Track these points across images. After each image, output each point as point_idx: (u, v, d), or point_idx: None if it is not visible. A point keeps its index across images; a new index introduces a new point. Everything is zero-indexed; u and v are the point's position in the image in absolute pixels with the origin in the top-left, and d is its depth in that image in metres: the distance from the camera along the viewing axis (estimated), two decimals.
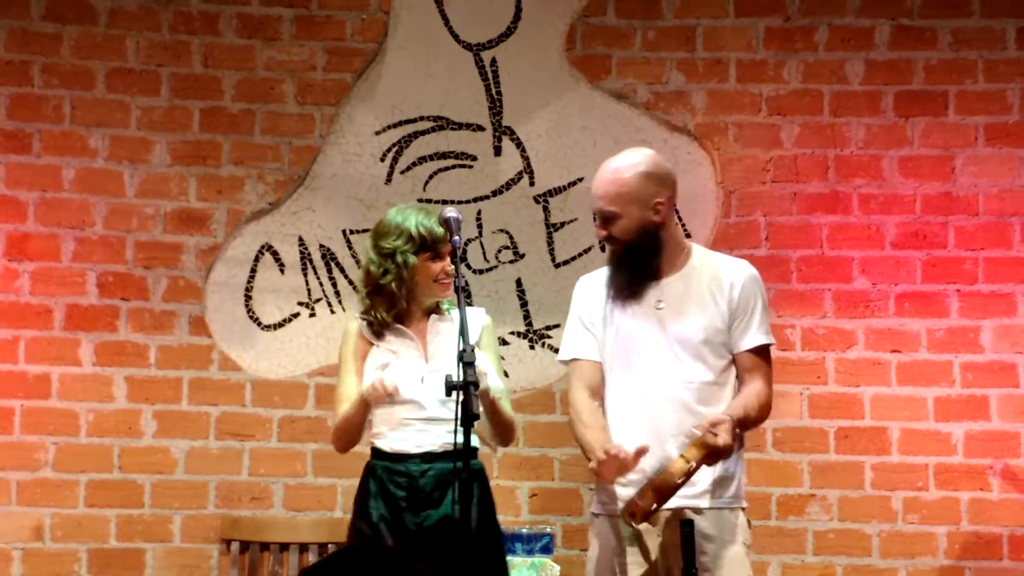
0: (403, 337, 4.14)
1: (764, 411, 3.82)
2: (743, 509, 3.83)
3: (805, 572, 5.26)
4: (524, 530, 4.95)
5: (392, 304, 4.13)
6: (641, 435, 3.67)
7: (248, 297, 5.39)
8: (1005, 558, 5.21)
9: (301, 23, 5.47)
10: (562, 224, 5.43)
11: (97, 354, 5.26)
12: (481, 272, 5.42)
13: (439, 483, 4.02)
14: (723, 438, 3.56)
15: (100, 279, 5.30)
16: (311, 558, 5.11)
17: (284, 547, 5.14)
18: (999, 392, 5.28)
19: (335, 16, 5.47)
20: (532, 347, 5.41)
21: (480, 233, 5.43)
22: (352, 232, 5.41)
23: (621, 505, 3.70)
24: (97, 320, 5.28)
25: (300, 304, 5.40)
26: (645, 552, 3.76)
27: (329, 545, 5.11)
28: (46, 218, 5.28)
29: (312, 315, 5.40)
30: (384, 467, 4.09)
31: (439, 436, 3.98)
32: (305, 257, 5.41)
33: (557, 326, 5.18)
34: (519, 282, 5.44)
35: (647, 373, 3.78)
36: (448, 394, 3.56)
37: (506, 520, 4.72)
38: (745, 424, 3.74)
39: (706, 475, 3.70)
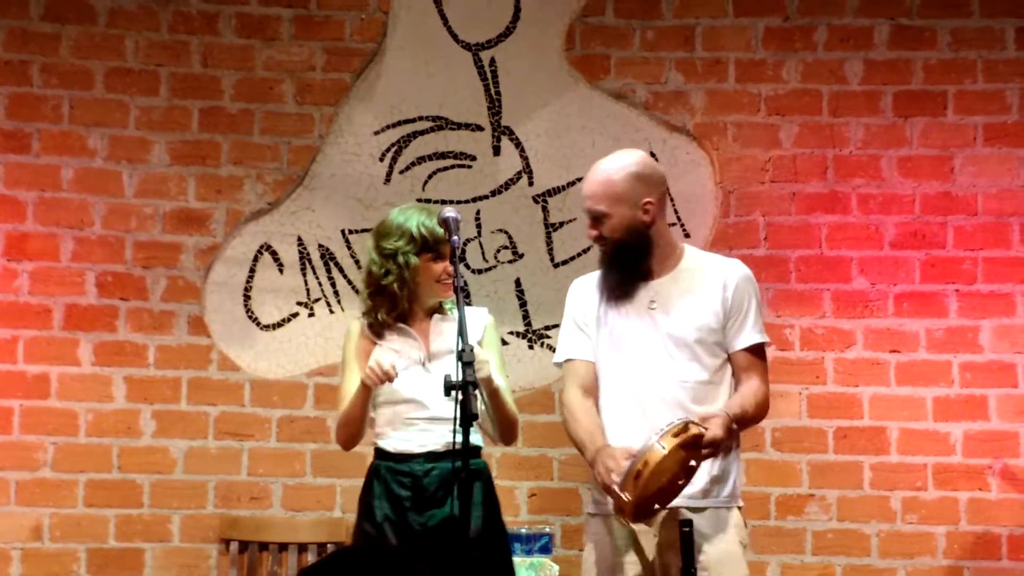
0: (406, 336, 4.14)
1: (761, 409, 3.83)
2: (739, 508, 3.83)
3: (804, 572, 5.26)
4: (523, 530, 4.95)
5: (394, 305, 4.13)
6: (637, 435, 3.67)
7: (247, 297, 5.39)
8: (1004, 558, 5.22)
9: (300, 23, 5.47)
10: (561, 224, 5.43)
11: (96, 354, 5.26)
12: (480, 272, 5.42)
13: (443, 482, 4.01)
14: (714, 431, 3.56)
15: (99, 279, 5.30)
16: (310, 558, 5.11)
17: (283, 547, 5.14)
18: (998, 392, 5.28)
19: (334, 16, 5.48)
20: (531, 347, 5.41)
21: (479, 233, 5.43)
22: (351, 232, 5.41)
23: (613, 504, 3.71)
24: (96, 320, 5.28)
25: (299, 304, 5.40)
26: (641, 552, 3.76)
27: (328, 545, 5.12)
28: (45, 218, 5.28)
29: (311, 315, 5.40)
30: (388, 467, 4.09)
31: (442, 435, 3.97)
32: (304, 257, 5.41)
33: (556, 326, 5.16)
34: (518, 282, 5.44)
35: (642, 373, 3.79)
36: (447, 394, 3.56)
37: (505, 520, 4.72)
38: (742, 421, 3.75)
39: (702, 474, 3.70)
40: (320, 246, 5.41)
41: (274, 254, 5.41)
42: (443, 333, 4.14)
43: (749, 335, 3.83)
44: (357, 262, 5.36)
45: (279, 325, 5.39)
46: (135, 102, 5.37)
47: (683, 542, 3.59)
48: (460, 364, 3.54)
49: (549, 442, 5.28)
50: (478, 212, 5.43)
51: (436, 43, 5.48)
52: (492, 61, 5.48)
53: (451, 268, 3.98)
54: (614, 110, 5.46)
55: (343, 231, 5.42)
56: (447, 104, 5.47)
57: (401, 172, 5.45)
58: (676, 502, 3.67)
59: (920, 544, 5.23)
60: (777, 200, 5.41)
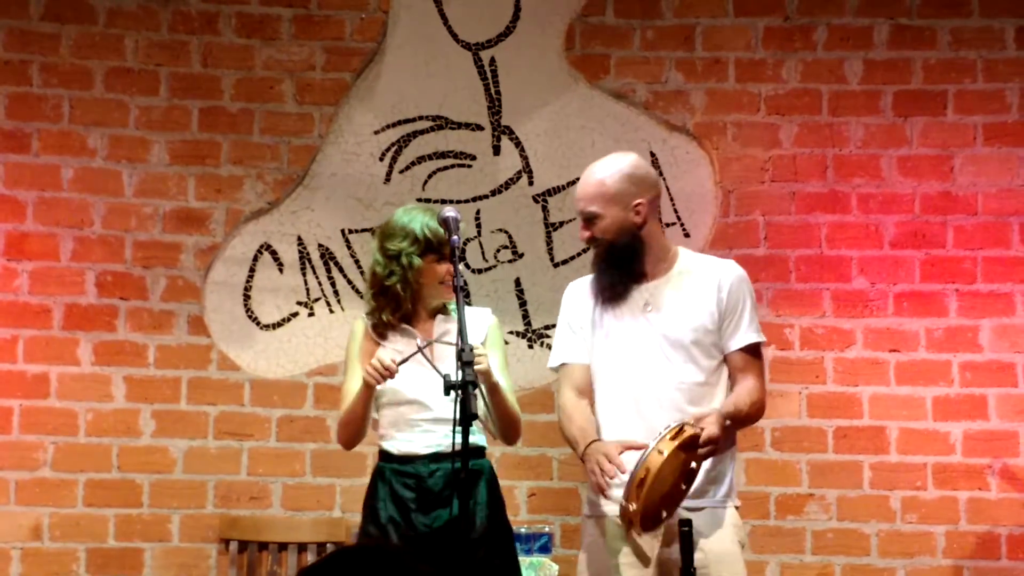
0: (409, 337, 4.13)
1: (757, 407, 3.83)
2: (736, 508, 3.84)
3: (804, 572, 5.26)
4: (523, 530, 4.94)
5: (397, 305, 4.12)
6: (634, 437, 3.68)
7: (247, 297, 5.39)
8: (1003, 557, 5.22)
9: (300, 23, 5.47)
10: (561, 223, 5.43)
11: (96, 354, 5.26)
12: (480, 272, 5.42)
13: (448, 483, 4.00)
14: (709, 430, 3.57)
15: (99, 279, 5.30)
16: (309, 558, 5.11)
17: (283, 547, 5.14)
18: (998, 392, 5.28)
19: (334, 16, 5.48)
20: (531, 347, 5.41)
21: (479, 233, 5.43)
22: (351, 231, 5.41)
23: (612, 506, 3.71)
24: (96, 320, 5.28)
25: (299, 304, 5.40)
26: (639, 552, 3.76)
27: (328, 545, 5.12)
28: (45, 218, 5.28)
29: (311, 315, 5.40)
30: (392, 469, 4.08)
31: (446, 436, 3.96)
32: (304, 257, 5.41)
33: (556, 326, 5.18)
34: (518, 282, 5.44)
35: (638, 375, 3.79)
36: (447, 394, 3.56)
37: None
38: (737, 419, 3.76)
39: (699, 474, 3.70)
40: (320, 246, 5.41)
41: (274, 254, 5.40)
42: (447, 334, 4.13)
43: (745, 335, 3.84)
44: (357, 262, 5.37)
45: (279, 325, 5.39)
46: (135, 102, 5.37)
47: (682, 541, 3.59)
48: (460, 364, 3.54)
49: (549, 442, 5.28)
50: (478, 212, 5.43)
51: (436, 43, 5.49)
52: (492, 61, 5.48)
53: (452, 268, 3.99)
54: (614, 110, 5.46)
55: (343, 231, 5.42)
56: (447, 104, 5.48)
57: (401, 172, 5.45)
58: None
59: (920, 544, 5.24)
60: (777, 200, 5.42)
